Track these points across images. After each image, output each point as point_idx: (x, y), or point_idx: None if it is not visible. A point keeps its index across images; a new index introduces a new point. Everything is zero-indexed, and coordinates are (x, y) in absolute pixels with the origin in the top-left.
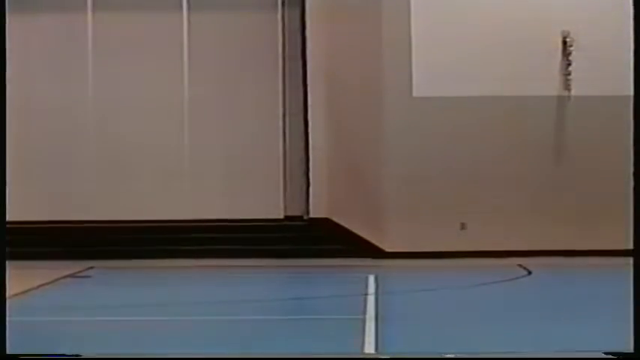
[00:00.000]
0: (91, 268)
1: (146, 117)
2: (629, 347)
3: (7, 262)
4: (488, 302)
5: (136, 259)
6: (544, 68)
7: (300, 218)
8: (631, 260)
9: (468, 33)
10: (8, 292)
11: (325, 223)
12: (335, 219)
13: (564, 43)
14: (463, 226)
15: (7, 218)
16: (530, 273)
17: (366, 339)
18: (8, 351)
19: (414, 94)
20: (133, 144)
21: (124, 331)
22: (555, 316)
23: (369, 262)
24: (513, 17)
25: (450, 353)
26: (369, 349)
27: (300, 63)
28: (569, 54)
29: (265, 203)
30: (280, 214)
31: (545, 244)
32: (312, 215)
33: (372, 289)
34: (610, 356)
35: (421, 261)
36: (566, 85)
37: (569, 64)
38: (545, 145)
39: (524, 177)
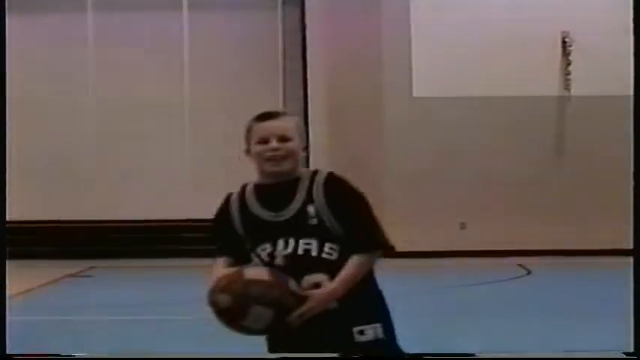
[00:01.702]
0: (92, 267)
1: (146, 117)
2: (629, 347)
3: (7, 262)
4: (489, 302)
5: (136, 258)
6: (544, 68)
7: None
8: (631, 260)
9: (468, 33)
10: (9, 292)
11: None
12: None
13: (564, 43)
14: (463, 226)
15: (8, 218)
16: (529, 273)
17: None
18: (8, 351)
19: (414, 94)
20: (133, 144)
21: (124, 330)
22: (556, 316)
23: None
24: (513, 17)
25: (449, 353)
26: None
27: (300, 63)
28: (569, 54)
29: None
30: None
31: (545, 244)
32: None
33: None
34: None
35: (421, 260)
36: (566, 85)
37: (569, 64)
38: (545, 144)
39: (524, 177)
